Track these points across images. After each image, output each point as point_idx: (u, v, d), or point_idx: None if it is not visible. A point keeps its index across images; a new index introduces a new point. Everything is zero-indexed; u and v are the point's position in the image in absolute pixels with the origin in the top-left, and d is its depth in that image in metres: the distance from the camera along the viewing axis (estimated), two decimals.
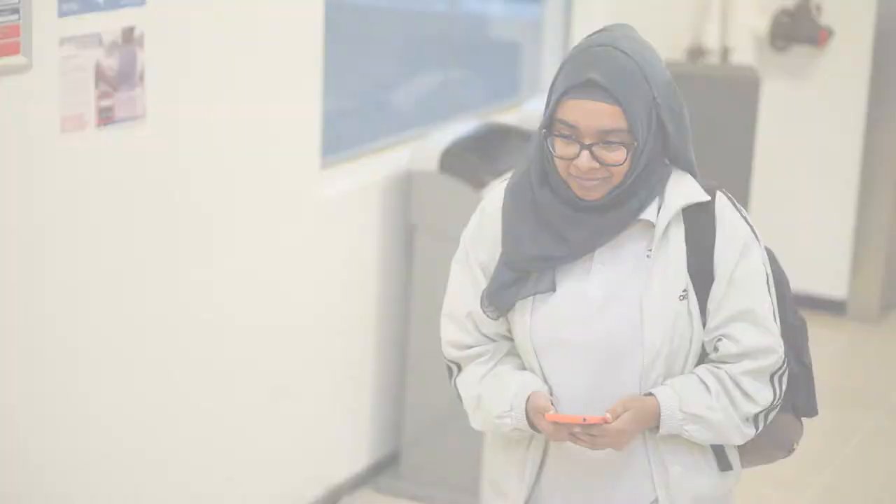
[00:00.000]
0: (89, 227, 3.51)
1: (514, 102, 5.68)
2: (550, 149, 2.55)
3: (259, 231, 4.13)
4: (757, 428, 2.62)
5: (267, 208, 4.15)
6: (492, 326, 2.67)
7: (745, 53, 6.55)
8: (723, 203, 2.63)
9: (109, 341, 3.63)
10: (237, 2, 3.89)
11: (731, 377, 2.59)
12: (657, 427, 2.59)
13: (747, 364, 2.59)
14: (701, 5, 6.62)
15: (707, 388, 2.59)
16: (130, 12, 3.50)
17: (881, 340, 6.42)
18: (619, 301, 2.59)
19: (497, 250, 2.64)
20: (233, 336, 4.10)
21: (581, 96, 2.51)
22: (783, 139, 6.61)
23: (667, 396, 2.58)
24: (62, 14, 3.31)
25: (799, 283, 6.45)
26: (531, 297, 2.61)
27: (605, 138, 2.51)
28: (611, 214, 2.58)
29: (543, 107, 2.58)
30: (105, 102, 3.47)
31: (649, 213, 2.59)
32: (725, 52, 6.55)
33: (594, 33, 2.60)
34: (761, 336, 2.59)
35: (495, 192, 2.70)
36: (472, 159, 4.59)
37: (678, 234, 2.60)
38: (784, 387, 2.64)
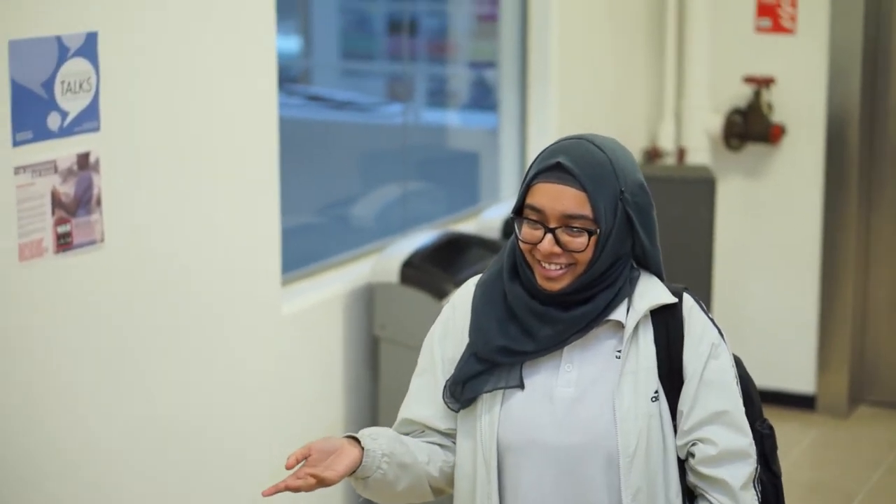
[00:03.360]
0: (48, 352, 3.49)
1: (473, 211, 5.72)
2: (517, 232, 2.58)
3: (222, 351, 4.12)
4: None
5: (229, 328, 4.15)
6: (436, 435, 2.67)
7: (700, 154, 6.62)
8: (689, 305, 2.64)
9: (66, 465, 3.60)
10: (191, 124, 3.92)
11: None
12: None
13: (737, 479, 2.57)
14: (655, 108, 6.70)
15: None
16: (85, 138, 3.52)
17: (851, 434, 6.42)
18: (590, 401, 2.58)
19: (465, 345, 2.64)
20: (196, 457, 4.07)
21: (548, 180, 2.55)
22: (742, 236, 6.66)
23: None
24: (16, 144, 3.32)
25: (767, 379, 6.51)
26: (500, 393, 2.59)
27: (568, 223, 2.54)
28: (577, 311, 2.58)
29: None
30: (62, 228, 3.47)
31: (618, 314, 2.60)
32: (681, 153, 6.62)
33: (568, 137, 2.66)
34: (737, 437, 2.59)
35: (466, 288, 2.72)
36: (433, 269, 4.61)
37: (647, 336, 2.60)
38: (760, 492, 2.62)
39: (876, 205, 6.57)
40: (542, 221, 2.56)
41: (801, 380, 6.64)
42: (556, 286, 2.57)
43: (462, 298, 2.70)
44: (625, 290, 2.61)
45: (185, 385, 3.99)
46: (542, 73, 6.00)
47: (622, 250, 2.59)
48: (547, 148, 2.62)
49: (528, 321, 2.59)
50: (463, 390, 2.61)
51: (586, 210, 2.53)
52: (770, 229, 6.64)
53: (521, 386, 2.60)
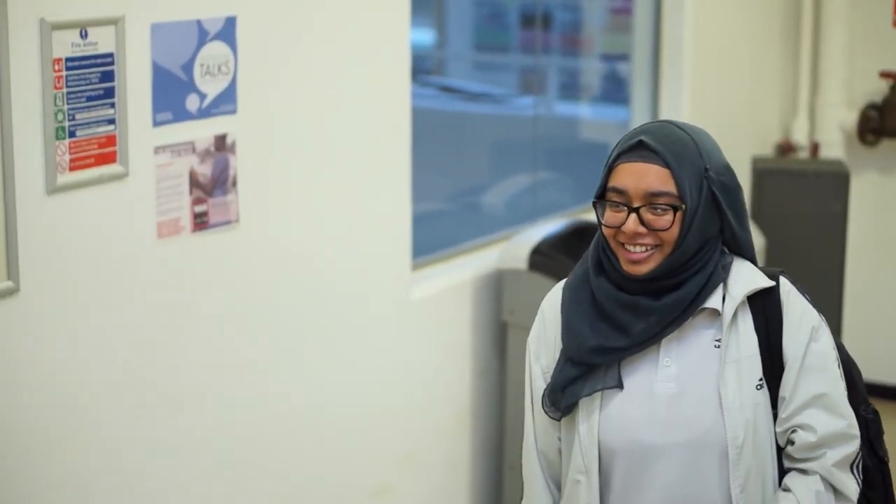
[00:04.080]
0: (186, 331, 3.58)
1: None
2: (600, 217, 2.52)
3: (352, 332, 4.19)
4: None
5: (359, 311, 4.21)
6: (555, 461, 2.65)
7: (834, 149, 6.56)
8: (787, 288, 2.57)
9: (208, 441, 3.68)
10: (326, 108, 3.98)
11: (823, 479, 2.51)
12: None
13: (831, 456, 2.51)
14: (789, 102, 6.65)
15: None
16: (223, 120, 3.60)
17: None
18: (693, 394, 2.52)
19: (555, 351, 2.59)
20: (329, 438, 4.14)
21: (631, 159, 2.50)
22: (876, 231, 6.58)
23: None
24: (157, 124, 3.41)
25: (892, 374, 6.43)
26: (598, 397, 2.53)
27: (652, 201, 2.47)
28: (668, 298, 2.50)
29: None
30: (199, 208, 3.56)
31: (714, 302, 2.52)
32: (815, 148, 6.56)
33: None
34: (836, 421, 2.52)
35: (554, 294, 2.67)
36: (560, 257, 4.63)
37: (746, 323, 2.54)
38: (862, 477, 2.57)
39: None
40: (625, 202, 2.49)
41: None
42: (642, 269, 2.49)
43: (550, 304, 2.65)
44: (717, 276, 2.53)
45: (315, 367, 4.06)
46: (675, 67, 5.99)
47: (710, 232, 2.52)
48: (628, 133, 2.58)
49: (619, 315, 2.51)
50: (562, 397, 2.55)
51: (671, 187, 2.47)
52: None
53: (620, 386, 2.52)
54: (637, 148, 2.51)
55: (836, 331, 5.82)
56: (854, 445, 2.54)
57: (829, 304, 5.79)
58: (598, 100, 6.61)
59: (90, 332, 3.29)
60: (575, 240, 4.79)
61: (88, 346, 3.29)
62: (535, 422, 2.67)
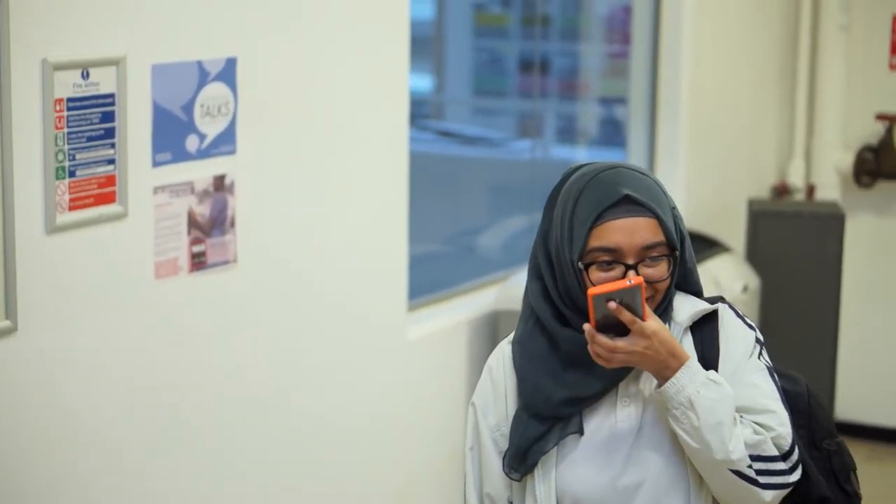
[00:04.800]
0: (184, 370, 3.59)
1: None
2: (587, 282, 2.43)
3: (349, 372, 4.20)
4: (741, 475, 2.41)
5: (356, 350, 4.22)
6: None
7: (830, 190, 6.59)
8: (725, 312, 2.55)
9: (196, 479, 3.69)
10: (324, 150, 4.01)
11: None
12: (665, 379, 2.40)
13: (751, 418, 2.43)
14: (786, 144, 6.69)
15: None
16: (222, 161, 3.63)
17: None
18: (652, 430, 2.48)
19: (507, 409, 2.55)
20: (325, 475, 4.14)
21: (619, 215, 2.43)
22: (871, 274, 6.61)
23: (695, 362, 2.43)
24: (156, 164, 3.43)
25: (892, 418, 6.44)
26: (555, 448, 2.49)
27: (648, 254, 2.43)
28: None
29: (564, 246, 2.47)
30: (197, 248, 3.58)
31: None
32: (811, 190, 6.59)
33: (585, 165, 2.55)
34: (765, 402, 2.45)
35: (499, 351, 2.61)
36: None
37: (688, 347, 2.50)
38: (796, 464, 2.45)
39: None
40: (618, 260, 2.43)
41: None
42: None
43: (497, 361, 2.59)
44: (669, 309, 2.52)
45: (312, 406, 4.07)
46: (672, 111, 6.02)
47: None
48: (588, 183, 2.47)
49: (593, 365, 2.44)
50: (526, 456, 2.49)
51: (660, 236, 2.44)
52: None
53: (581, 431, 2.48)
54: (623, 203, 2.43)
55: (831, 371, 5.83)
56: (774, 420, 2.44)
57: (824, 346, 5.81)
58: (595, 143, 6.65)
59: (88, 372, 3.30)
60: None
61: (86, 386, 3.30)
62: (480, 475, 2.61)
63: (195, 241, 3.57)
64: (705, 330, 2.53)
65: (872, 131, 6.56)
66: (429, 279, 4.84)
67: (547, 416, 2.48)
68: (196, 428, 3.64)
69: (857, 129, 6.60)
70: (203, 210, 3.58)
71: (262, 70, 3.73)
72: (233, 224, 3.68)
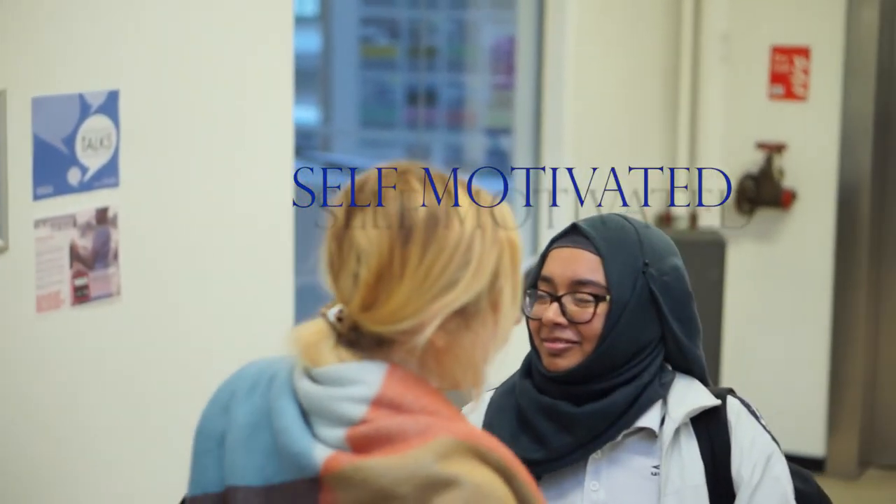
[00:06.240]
0: (66, 404, 3.56)
1: None
2: (527, 310, 2.31)
3: None
4: None
5: None
6: None
7: (711, 218, 6.71)
8: (735, 409, 2.36)
9: None
10: (208, 181, 4.00)
11: None
12: None
13: None
14: (668, 173, 6.79)
15: None
16: (105, 193, 3.61)
17: (860, 498, 6.43)
18: None
19: None
20: None
21: (563, 244, 2.35)
22: (753, 300, 6.72)
23: None
24: (37, 197, 3.41)
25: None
26: None
27: (577, 290, 2.28)
28: (589, 408, 2.26)
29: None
30: (80, 281, 3.56)
31: (648, 421, 2.30)
32: (693, 218, 6.70)
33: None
34: None
35: (485, 398, 2.45)
36: None
37: (691, 448, 2.30)
38: None
39: (886, 269, 6.63)
40: (551, 292, 2.31)
41: (811, 443, 6.68)
42: (560, 364, 2.27)
43: (471, 408, 2.35)
44: (653, 391, 2.30)
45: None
46: (556, 141, 6.09)
47: (645, 337, 2.31)
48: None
49: (539, 424, 2.26)
50: None
51: (598, 277, 2.28)
52: (781, 293, 6.70)
53: None
54: (570, 233, 2.36)
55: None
56: None
57: (708, 368, 5.89)
58: (482, 173, 6.70)
59: None
60: None
61: None
62: None
63: (78, 274, 3.55)
64: (713, 427, 2.33)
65: (753, 159, 6.69)
66: (311, 310, 4.84)
67: None
68: (78, 461, 3.62)
69: (738, 158, 6.72)
70: (86, 243, 3.57)
71: (145, 103, 3.72)
72: (116, 257, 3.66)
